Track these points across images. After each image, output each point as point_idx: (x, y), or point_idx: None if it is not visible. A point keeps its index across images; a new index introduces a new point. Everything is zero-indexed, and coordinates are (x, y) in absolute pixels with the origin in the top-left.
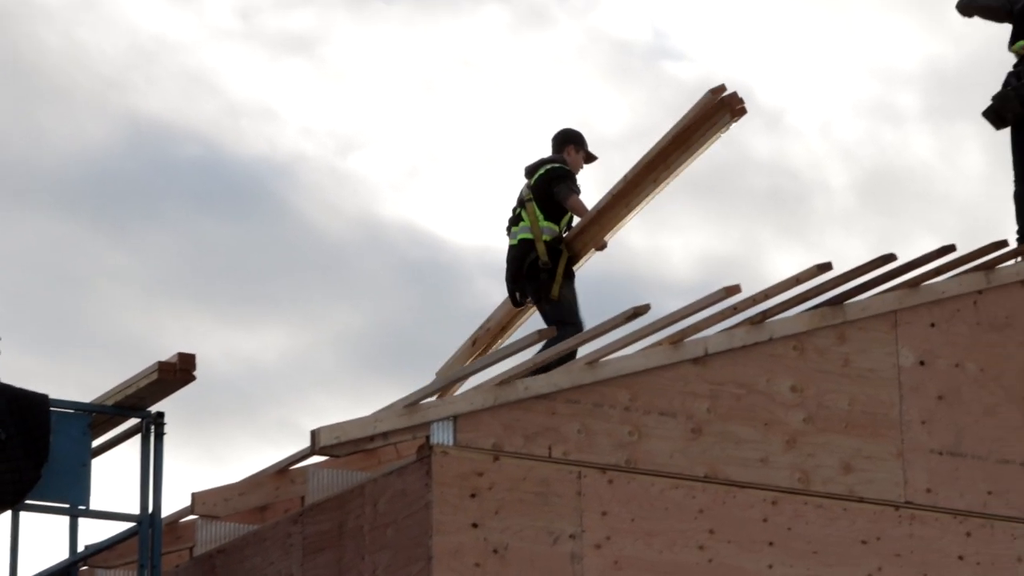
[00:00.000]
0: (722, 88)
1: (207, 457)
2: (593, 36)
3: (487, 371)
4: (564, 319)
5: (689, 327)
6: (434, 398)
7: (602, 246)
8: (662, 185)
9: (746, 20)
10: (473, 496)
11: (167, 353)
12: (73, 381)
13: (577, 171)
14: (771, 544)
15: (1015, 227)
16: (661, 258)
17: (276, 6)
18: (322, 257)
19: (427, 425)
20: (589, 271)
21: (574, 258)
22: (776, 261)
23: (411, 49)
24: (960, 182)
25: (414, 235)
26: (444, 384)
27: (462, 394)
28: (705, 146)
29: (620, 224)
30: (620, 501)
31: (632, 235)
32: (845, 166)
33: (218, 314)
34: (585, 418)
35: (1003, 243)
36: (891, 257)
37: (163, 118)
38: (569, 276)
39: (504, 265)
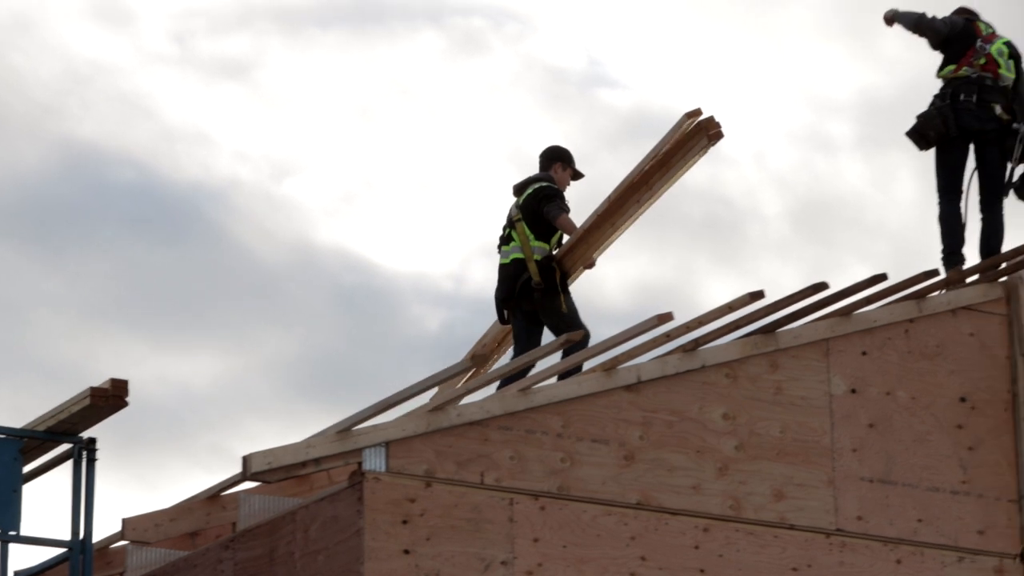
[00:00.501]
0: (698, 112)
1: (138, 482)
2: (528, 63)
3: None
4: (568, 329)
5: (622, 354)
6: (366, 424)
7: (591, 264)
8: (646, 206)
9: (680, 48)
10: (405, 522)
11: (100, 378)
12: (5, 406)
13: (564, 188)
14: (702, 571)
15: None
16: (595, 285)
17: (211, 31)
18: (256, 282)
19: (359, 451)
20: None
21: (565, 275)
22: (710, 289)
23: (346, 75)
24: (893, 211)
25: (348, 261)
26: (377, 410)
27: (394, 420)
28: (684, 168)
29: (607, 243)
30: (552, 528)
31: None
32: (779, 194)
33: (152, 339)
34: (517, 445)
35: (934, 272)
36: (823, 286)
37: (98, 143)
38: (564, 289)
39: (495, 283)
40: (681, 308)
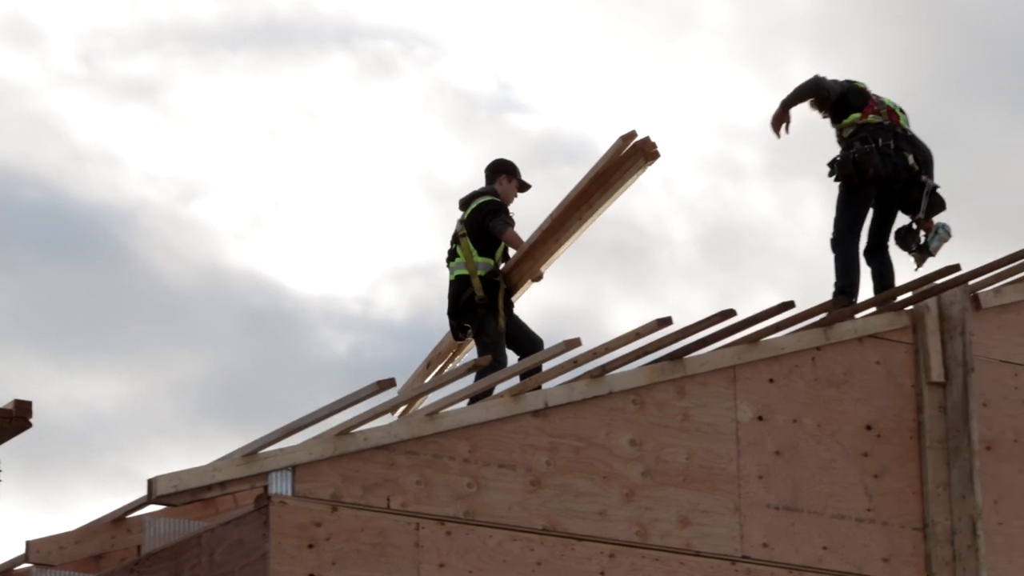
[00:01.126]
0: (632, 134)
1: (43, 504)
2: (438, 87)
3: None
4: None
5: (530, 379)
6: (273, 448)
7: (538, 277)
8: (588, 223)
9: (590, 73)
10: (311, 547)
11: (3, 399)
12: None
13: (510, 201)
14: None
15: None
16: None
17: (119, 51)
18: (164, 304)
19: (265, 475)
20: (434, 322)
21: (511, 289)
22: (618, 315)
23: (255, 97)
24: (800, 238)
25: (257, 283)
26: (284, 434)
27: (301, 444)
28: (623, 188)
29: (554, 257)
30: (458, 553)
31: None
32: (688, 221)
33: (57, 360)
34: (424, 469)
35: (841, 300)
36: (731, 312)
37: (5, 162)
38: (507, 307)
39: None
40: (589, 334)
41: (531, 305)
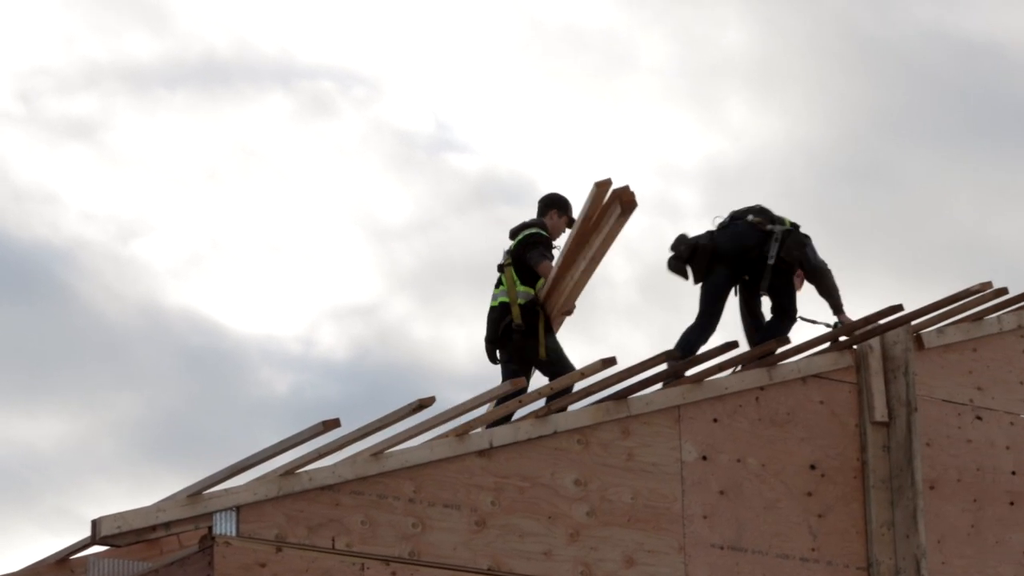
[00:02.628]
0: (608, 182)
1: None
2: (376, 126)
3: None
4: (557, 370)
5: (474, 419)
6: (217, 488)
7: (569, 311)
8: (592, 263)
9: (529, 113)
10: None
11: None
12: None
13: (557, 235)
14: None
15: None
16: (444, 349)
17: (58, 91)
18: (104, 343)
19: (210, 515)
20: (374, 361)
21: (549, 319)
22: None
23: (194, 136)
24: None
25: (196, 323)
26: (228, 474)
27: (245, 484)
28: (608, 241)
29: (574, 293)
30: None
31: (415, 326)
32: (627, 261)
33: None
34: (369, 509)
35: (784, 340)
36: (674, 353)
37: None
38: (549, 332)
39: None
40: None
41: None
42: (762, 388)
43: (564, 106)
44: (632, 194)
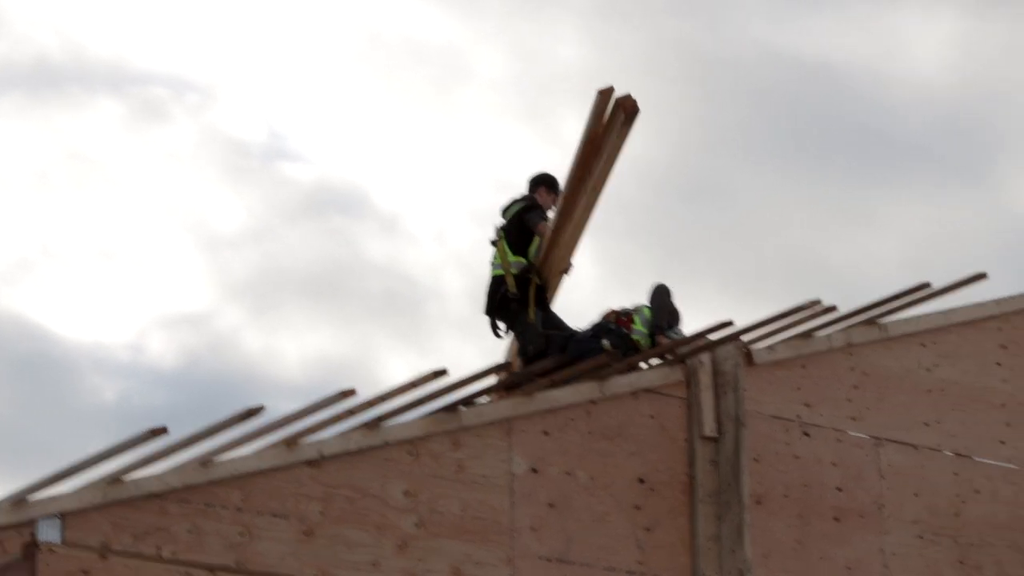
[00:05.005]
0: (610, 89)
1: None
2: (209, 134)
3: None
4: (549, 331)
5: (304, 429)
6: (41, 494)
7: (567, 269)
8: (595, 193)
9: (364, 123)
10: None
11: None
12: None
13: (547, 211)
14: None
15: None
16: (275, 359)
17: None
18: None
19: (33, 522)
20: (204, 369)
21: (544, 285)
22: (391, 365)
23: (23, 140)
24: (573, 292)
25: (23, 329)
26: (53, 480)
27: (71, 491)
28: (617, 149)
29: (574, 242)
30: None
31: (246, 335)
32: (460, 273)
33: None
34: (196, 518)
35: (615, 356)
36: (507, 366)
37: None
38: (540, 302)
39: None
40: (362, 384)
41: (301, 352)
42: (593, 402)
43: (401, 118)
44: (634, 101)
